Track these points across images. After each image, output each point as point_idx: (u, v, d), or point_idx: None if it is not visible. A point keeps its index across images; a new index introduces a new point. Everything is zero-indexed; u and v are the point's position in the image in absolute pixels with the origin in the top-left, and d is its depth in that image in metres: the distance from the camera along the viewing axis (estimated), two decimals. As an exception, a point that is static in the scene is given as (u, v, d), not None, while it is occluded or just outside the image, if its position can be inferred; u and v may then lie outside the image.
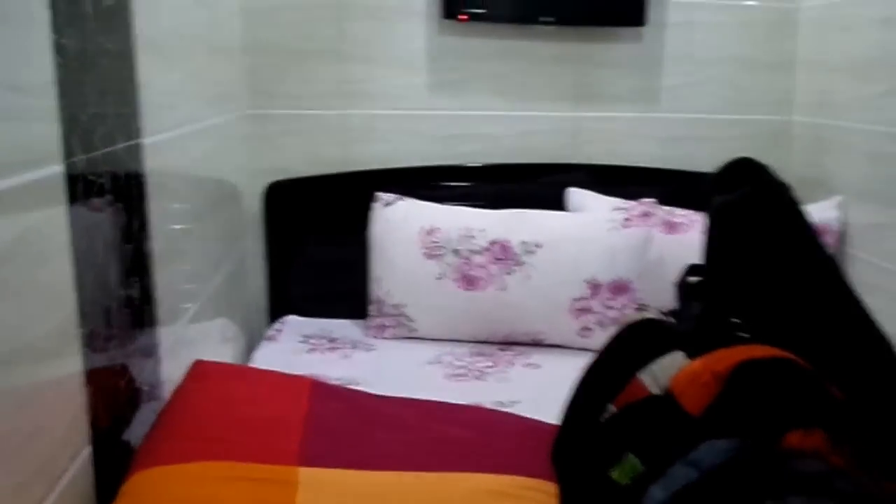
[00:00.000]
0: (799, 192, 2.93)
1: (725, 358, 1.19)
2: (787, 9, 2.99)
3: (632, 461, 1.18)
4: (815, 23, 2.90)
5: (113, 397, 1.42)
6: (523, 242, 2.50)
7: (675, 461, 1.12)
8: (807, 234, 1.36)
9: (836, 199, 2.72)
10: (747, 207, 1.37)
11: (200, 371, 1.65)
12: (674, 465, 1.11)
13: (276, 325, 2.68)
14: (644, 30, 2.90)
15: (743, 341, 1.27)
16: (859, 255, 2.63)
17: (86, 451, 1.29)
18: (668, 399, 1.21)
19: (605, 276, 2.47)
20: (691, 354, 1.26)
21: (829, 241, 2.64)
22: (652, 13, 2.87)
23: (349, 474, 1.41)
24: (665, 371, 1.26)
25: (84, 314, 1.26)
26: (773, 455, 1.09)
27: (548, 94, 2.94)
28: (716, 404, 1.16)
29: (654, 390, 1.28)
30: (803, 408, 1.14)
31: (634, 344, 1.36)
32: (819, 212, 2.68)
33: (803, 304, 1.32)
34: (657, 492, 1.10)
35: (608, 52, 2.94)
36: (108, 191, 1.38)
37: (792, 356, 1.19)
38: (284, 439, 1.47)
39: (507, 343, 2.55)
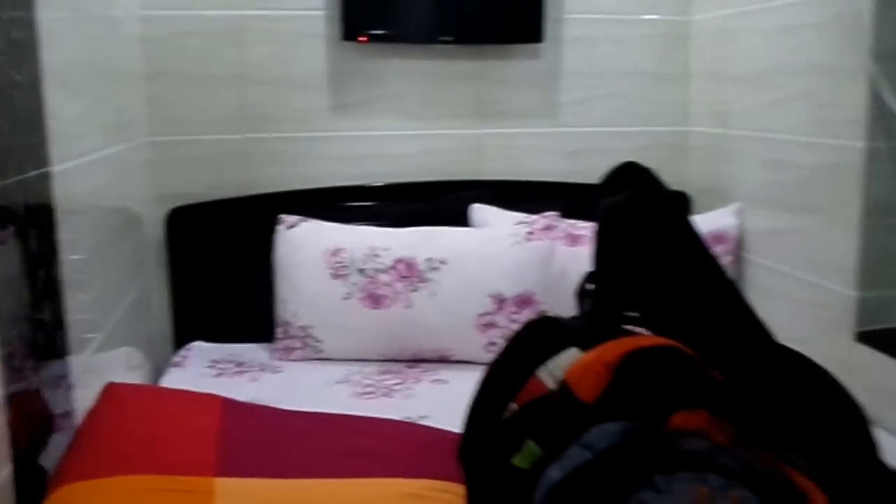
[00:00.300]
0: (698, 200, 3.19)
1: (615, 348, 1.37)
2: (680, 22, 3.24)
3: (531, 447, 1.35)
4: (708, 35, 3.15)
5: (29, 420, 1.54)
6: (428, 259, 2.67)
7: (570, 445, 1.29)
8: (686, 230, 1.54)
9: (734, 206, 2.96)
10: (631, 207, 1.56)
11: (113, 392, 1.78)
12: (569, 448, 1.28)
13: (182, 352, 2.81)
14: (542, 46, 3.12)
15: (631, 333, 1.45)
16: (756, 260, 2.87)
17: (7, 470, 1.40)
18: (563, 389, 1.38)
19: (509, 291, 2.65)
20: (584, 348, 1.43)
21: (727, 247, 2.87)
22: (549, 29, 3.08)
23: (265, 483, 1.56)
24: (561, 367, 1.44)
25: (3, 338, 1.38)
26: (661, 435, 1.27)
27: (450, 112, 3.13)
28: (607, 391, 1.33)
29: (552, 386, 1.45)
30: (687, 390, 1.32)
31: (532, 343, 1.53)
32: (717, 219, 2.91)
33: (684, 296, 1.50)
34: (554, 472, 1.27)
35: (508, 68, 3.14)
36: (22, 217, 1.51)
37: (675, 344, 1.37)
38: (200, 452, 1.61)
39: (415, 360, 2.71)
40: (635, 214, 1.55)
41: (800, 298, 2.62)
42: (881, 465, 1.34)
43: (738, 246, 2.93)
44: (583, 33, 3.17)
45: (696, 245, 1.53)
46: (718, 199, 3.04)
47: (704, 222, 2.88)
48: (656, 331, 1.45)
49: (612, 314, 1.53)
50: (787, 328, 2.55)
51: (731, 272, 2.89)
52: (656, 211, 1.55)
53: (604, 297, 1.57)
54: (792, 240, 2.68)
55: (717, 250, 2.82)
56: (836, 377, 1.39)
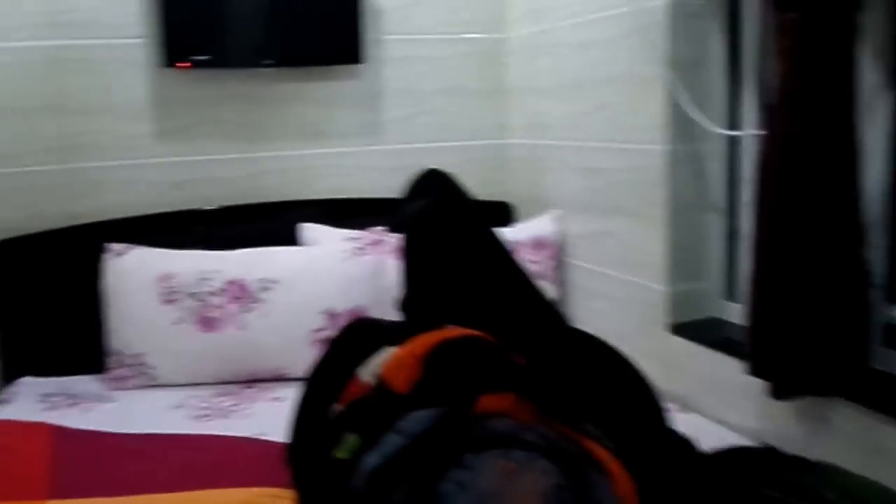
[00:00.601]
0: (521, 209, 3.30)
1: (425, 341, 1.47)
2: (497, 39, 3.39)
3: (351, 439, 1.43)
4: (522, 51, 3.30)
5: None
6: (259, 280, 2.72)
7: (387, 433, 1.37)
8: (483, 232, 1.65)
9: (554, 213, 3.10)
10: (433, 213, 1.66)
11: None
12: (385, 436, 1.36)
13: (11, 388, 2.76)
14: (364, 67, 3.21)
15: (440, 326, 1.55)
16: (577, 263, 3.02)
17: None
18: (380, 384, 1.46)
19: (341, 306, 2.72)
20: (400, 345, 1.52)
21: (549, 252, 3.01)
22: (370, 50, 3.17)
23: (100, 502, 1.58)
24: (379, 365, 1.52)
25: None
26: (469, 417, 1.36)
27: (276, 134, 3.19)
28: (420, 381, 1.43)
29: (373, 384, 1.53)
30: (493, 376, 1.43)
31: (350, 346, 1.61)
32: (538, 226, 3.05)
33: (486, 291, 1.61)
34: (371, 459, 1.36)
35: (331, 89, 3.23)
36: None
37: (481, 334, 1.47)
38: (31, 477, 1.63)
39: (251, 381, 2.75)
40: (437, 219, 1.65)
41: (618, 296, 2.78)
42: (669, 431, 1.47)
43: (560, 251, 3.07)
44: (402, 53, 3.28)
45: (493, 245, 1.63)
46: (540, 206, 3.19)
47: (526, 230, 3.03)
48: (464, 324, 1.55)
49: (424, 312, 1.62)
50: (608, 325, 2.72)
51: (553, 276, 3.03)
52: (455, 215, 1.66)
53: (415, 297, 1.66)
54: (608, 241, 2.83)
55: (539, 256, 2.96)
56: (624, 354, 1.51)
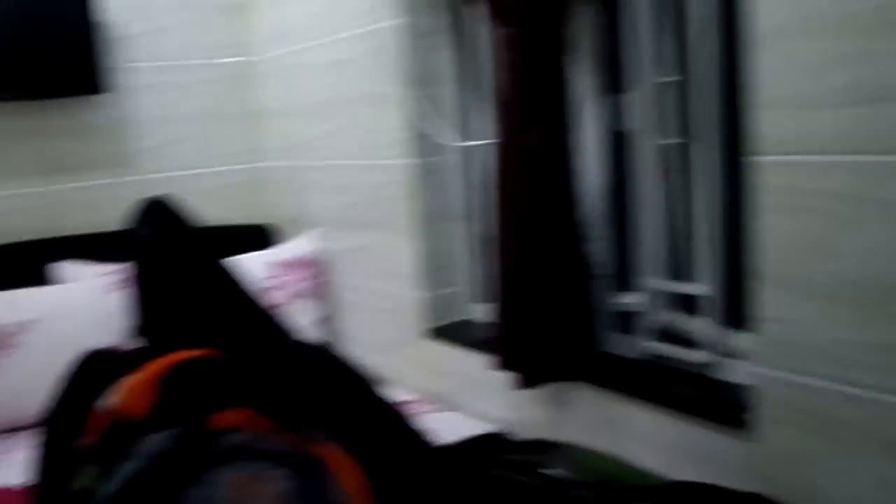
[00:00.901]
0: (285, 230, 3.39)
1: (159, 365, 1.53)
2: (247, 62, 3.46)
3: (88, 470, 1.47)
4: (273, 73, 3.39)
5: None
6: (12, 324, 2.69)
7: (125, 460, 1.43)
8: (205, 254, 1.73)
9: (316, 231, 3.20)
10: (155, 239, 1.73)
11: None
12: (123, 462, 1.42)
13: None
14: (110, 96, 3.21)
15: (174, 350, 1.61)
16: (342, 280, 3.12)
17: None
18: (118, 413, 1.52)
19: (101, 342, 2.71)
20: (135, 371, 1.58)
21: (312, 271, 3.10)
22: (118, 78, 3.20)
23: None
24: (117, 394, 1.57)
25: None
26: (205, 435, 1.44)
27: (17, 171, 3.14)
28: (157, 405, 1.49)
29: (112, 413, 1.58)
30: (226, 392, 1.51)
31: (84, 380, 1.66)
32: (300, 246, 3.14)
33: (213, 313, 1.69)
34: (108, 486, 1.40)
35: (77, 121, 3.21)
36: None
37: (214, 353, 1.55)
38: None
39: (12, 429, 2.69)
40: (160, 247, 1.72)
41: (380, 307, 2.90)
42: (397, 426, 1.59)
43: (324, 268, 3.17)
44: (150, 81, 3.31)
45: (216, 268, 1.72)
46: (302, 226, 3.28)
47: (289, 250, 3.12)
48: (197, 347, 1.62)
49: (158, 338, 1.69)
50: (373, 335, 2.85)
51: (319, 293, 3.12)
52: (178, 242, 1.74)
53: (148, 324, 1.72)
54: (367, 255, 2.95)
55: (303, 275, 3.05)
56: (348, 359, 1.63)
